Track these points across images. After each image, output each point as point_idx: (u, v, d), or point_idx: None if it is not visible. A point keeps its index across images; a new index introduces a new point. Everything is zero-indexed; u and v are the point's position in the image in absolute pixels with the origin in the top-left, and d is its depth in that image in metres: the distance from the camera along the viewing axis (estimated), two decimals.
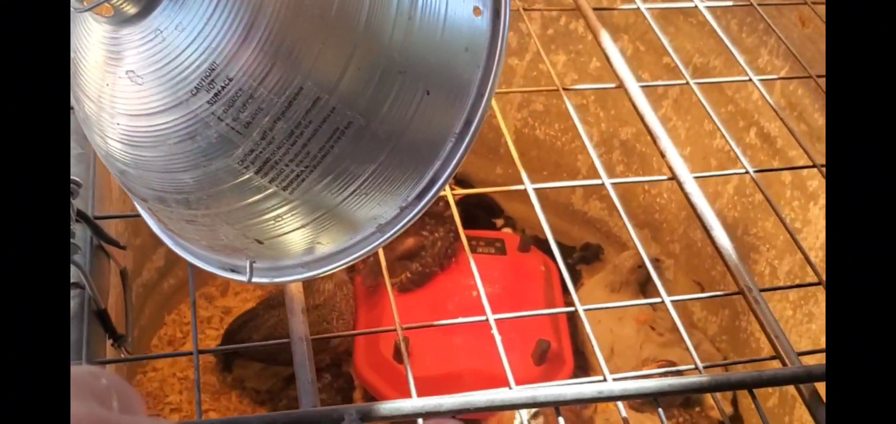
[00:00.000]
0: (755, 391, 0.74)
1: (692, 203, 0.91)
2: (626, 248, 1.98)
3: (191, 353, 0.74)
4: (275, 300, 1.78)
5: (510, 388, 0.75)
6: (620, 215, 1.95)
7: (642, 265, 1.85)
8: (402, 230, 0.72)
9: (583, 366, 1.74)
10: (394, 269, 1.75)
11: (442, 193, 2.02)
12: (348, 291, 1.77)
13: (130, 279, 0.89)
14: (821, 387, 0.75)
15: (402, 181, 0.70)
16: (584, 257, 2.06)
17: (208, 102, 0.62)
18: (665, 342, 1.73)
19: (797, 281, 1.49)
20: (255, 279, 0.77)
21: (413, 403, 0.69)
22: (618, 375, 0.76)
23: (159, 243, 1.76)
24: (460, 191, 1.10)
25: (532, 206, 2.12)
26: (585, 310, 1.87)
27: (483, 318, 0.85)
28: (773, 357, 0.79)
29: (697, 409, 1.64)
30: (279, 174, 0.65)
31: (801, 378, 0.73)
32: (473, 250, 1.87)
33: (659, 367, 1.70)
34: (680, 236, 1.87)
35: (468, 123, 0.70)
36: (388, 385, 1.64)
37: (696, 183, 0.93)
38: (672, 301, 0.83)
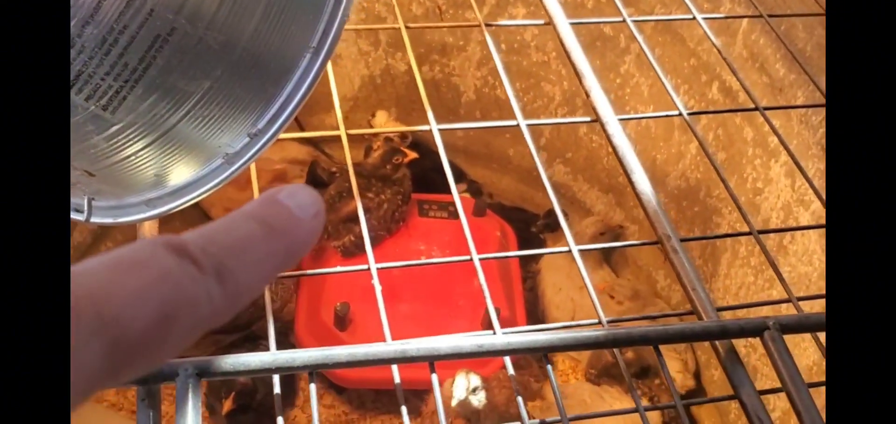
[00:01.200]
0: (661, 347, 0.65)
1: (613, 145, 0.82)
2: (591, 214, 1.89)
3: None
4: None
5: (386, 342, 0.66)
6: (585, 180, 1.85)
7: (605, 233, 1.76)
8: (252, 160, 0.63)
9: None
10: (338, 231, 1.66)
11: (404, 160, 1.90)
12: None
13: None
14: (738, 344, 0.66)
15: (246, 103, 0.60)
16: (547, 225, 1.97)
17: None
18: (624, 310, 1.64)
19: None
20: (94, 219, 0.67)
21: (262, 358, 0.60)
22: (508, 330, 0.67)
23: None
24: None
25: (496, 170, 2.04)
26: (548, 281, 1.78)
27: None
28: (689, 312, 0.70)
29: (657, 382, 1.56)
30: (96, 90, 0.56)
31: (713, 334, 0.63)
32: (425, 214, 1.78)
33: None
34: None
35: (325, 34, 0.60)
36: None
37: (620, 125, 0.84)
38: (580, 250, 0.74)
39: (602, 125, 0.84)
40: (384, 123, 1.74)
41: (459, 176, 2.00)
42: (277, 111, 0.61)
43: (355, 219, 1.66)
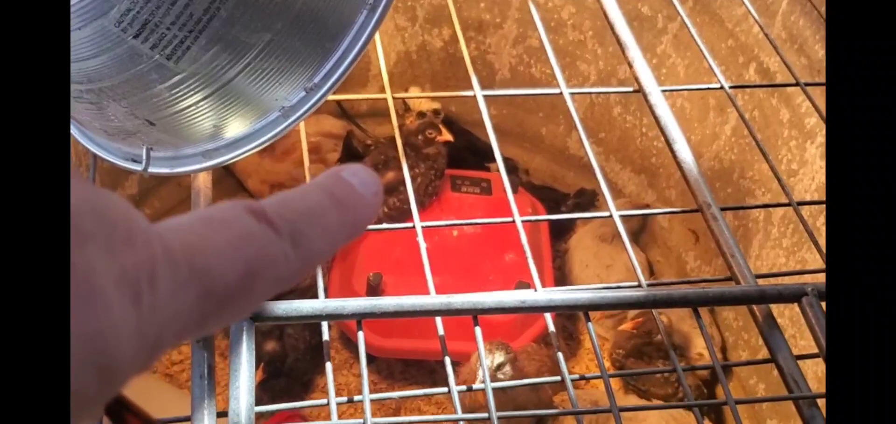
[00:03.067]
0: (701, 310, 0.66)
1: (656, 115, 0.83)
2: (622, 195, 1.90)
3: None
4: None
5: (431, 295, 0.67)
6: (617, 160, 1.86)
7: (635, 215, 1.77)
8: (308, 114, 0.65)
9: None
10: None
11: (438, 136, 1.92)
12: None
13: None
14: (776, 310, 0.67)
15: (305, 57, 0.62)
16: (578, 204, 1.98)
17: None
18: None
19: (791, 225, 1.40)
20: (152, 169, 0.70)
21: (313, 305, 0.62)
22: (550, 288, 0.69)
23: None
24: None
25: (528, 149, 2.04)
26: (575, 258, 1.79)
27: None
28: (728, 278, 0.71)
29: (683, 362, 1.56)
30: (161, 40, 0.58)
31: (751, 298, 0.65)
32: (457, 189, 1.80)
33: (641, 317, 1.63)
34: (676, 182, 1.78)
35: None
36: (365, 323, 1.57)
37: (662, 96, 0.85)
38: (621, 216, 0.75)
39: (644, 95, 0.85)
40: (417, 99, 1.76)
41: (490, 156, 2.01)
42: (333, 66, 0.62)
43: (390, 190, 1.68)
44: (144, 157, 0.68)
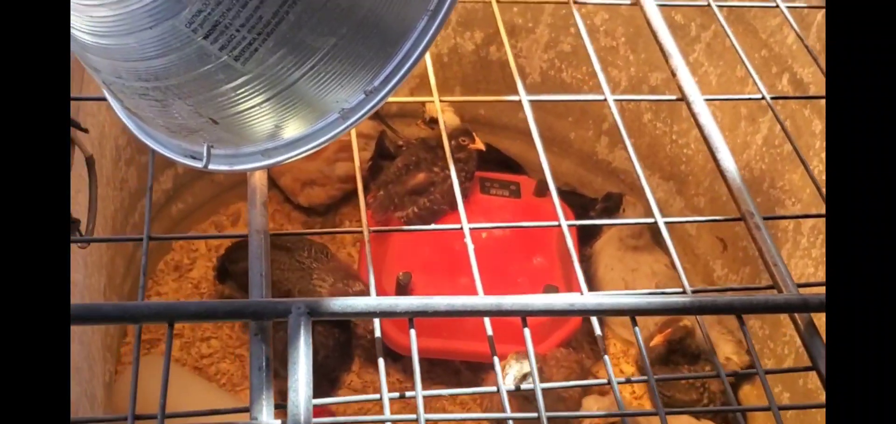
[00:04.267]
0: (745, 317, 0.67)
1: (700, 124, 0.85)
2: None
3: (140, 238, 0.70)
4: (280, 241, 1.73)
5: (480, 296, 0.69)
6: (646, 167, 1.87)
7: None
8: (366, 116, 0.67)
9: None
10: (403, 203, 1.70)
11: (472, 143, 1.91)
12: (357, 224, 1.73)
13: (97, 168, 0.85)
14: (818, 319, 0.68)
15: (366, 61, 0.64)
16: (606, 209, 1.99)
17: None
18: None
19: (821, 236, 1.40)
20: (212, 166, 0.72)
21: (367, 301, 0.64)
22: (595, 293, 0.70)
23: (167, 163, 1.72)
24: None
25: (557, 153, 2.05)
26: (601, 262, 1.80)
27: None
28: (770, 286, 0.72)
29: (708, 367, 1.57)
30: (230, 41, 0.60)
31: (794, 306, 0.66)
32: (486, 191, 1.81)
33: (671, 328, 1.63)
34: (705, 190, 1.79)
35: None
36: (390, 321, 1.59)
37: (706, 105, 0.86)
38: (665, 222, 0.76)
39: (688, 104, 0.86)
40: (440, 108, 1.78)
41: (516, 168, 2.02)
42: (393, 70, 0.64)
43: (420, 191, 1.70)
44: (205, 154, 0.70)
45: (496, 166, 1.93)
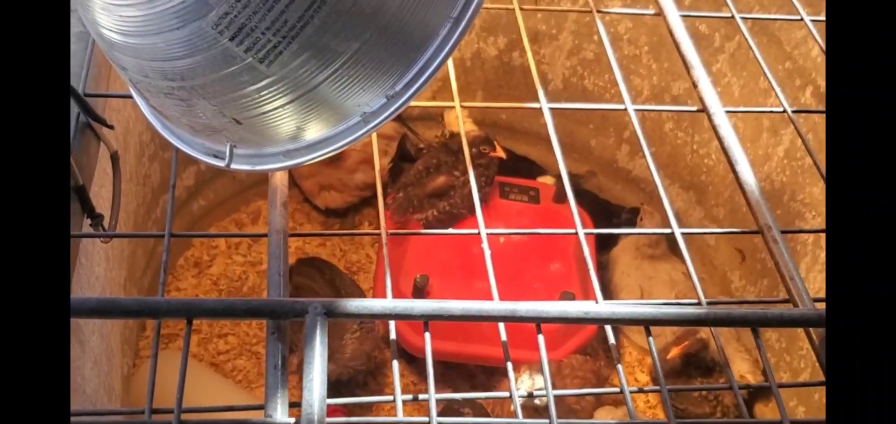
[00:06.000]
0: (760, 330, 0.67)
1: (719, 135, 0.85)
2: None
3: (162, 235, 0.71)
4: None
5: (495, 301, 0.69)
6: (665, 176, 1.86)
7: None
8: (388, 120, 0.67)
9: None
10: (422, 205, 1.71)
11: (493, 152, 1.91)
12: (376, 226, 1.74)
13: (121, 164, 0.86)
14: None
15: (389, 66, 0.65)
16: (628, 220, 1.99)
17: None
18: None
19: None
20: (234, 166, 0.73)
21: (383, 304, 0.65)
22: (610, 301, 0.70)
23: (189, 160, 1.74)
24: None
25: (577, 160, 2.05)
26: (617, 269, 1.80)
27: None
28: (786, 300, 0.72)
29: (721, 379, 1.57)
30: (255, 44, 0.61)
31: (810, 321, 0.66)
32: (505, 196, 1.82)
33: (686, 339, 1.63)
34: (725, 201, 1.78)
35: (466, 5, 0.64)
36: (406, 324, 1.60)
37: (727, 117, 0.86)
38: (682, 233, 0.77)
39: (709, 116, 0.86)
40: (461, 113, 1.79)
41: (538, 171, 2.02)
42: (416, 75, 0.65)
43: (439, 195, 1.70)
44: (228, 153, 0.71)
45: (517, 167, 1.93)
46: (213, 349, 1.76)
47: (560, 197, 1.84)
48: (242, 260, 1.88)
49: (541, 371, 1.41)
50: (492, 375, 1.71)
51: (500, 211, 1.80)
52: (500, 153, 1.73)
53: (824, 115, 1.46)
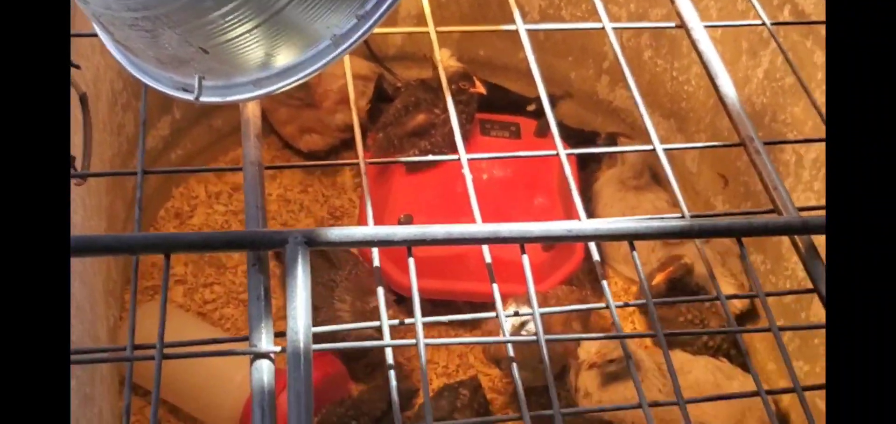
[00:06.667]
0: (745, 240, 0.67)
1: (699, 50, 0.83)
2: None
3: (135, 173, 0.69)
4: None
5: (478, 224, 0.69)
6: (646, 105, 1.86)
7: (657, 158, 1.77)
8: (359, 42, 0.66)
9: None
10: (402, 146, 1.69)
11: (473, 88, 1.89)
12: (355, 169, 1.72)
13: (92, 110, 0.84)
14: (818, 241, 0.68)
15: None
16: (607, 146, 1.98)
17: None
18: (679, 243, 1.65)
19: (823, 169, 1.40)
20: (203, 98, 0.71)
21: (365, 231, 0.64)
22: (593, 219, 0.70)
23: (164, 108, 1.71)
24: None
25: (557, 92, 2.03)
26: (600, 201, 1.79)
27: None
28: (770, 211, 0.72)
29: (708, 305, 1.58)
30: None
31: (795, 228, 0.66)
32: (487, 133, 1.81)
33: (672, 266, 1.63)
34: (706, 126, 1.78)
35: None
36: (392, 263, 1.59)
37: (706, 32, 0.85)
38: (664, 149, 0.76)
39: (687, 31, 0.85)
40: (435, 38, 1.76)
41: (522, 101, 2.00)
42: None
43: (420, 133, 1.69)
44: (196, 85, 0.69)
45: (498, 102, 1.91)
46: (199, 299, 1.75)
47: (542, 131, 1.83)
48: (224, 209, 1.86)
49: (527, 301, 1.42)
50: (479, 310, 1.71)
51: (482, 148, 1.78)
52: (480, 89, 1.71)
53: (803, 34, 1.45)
